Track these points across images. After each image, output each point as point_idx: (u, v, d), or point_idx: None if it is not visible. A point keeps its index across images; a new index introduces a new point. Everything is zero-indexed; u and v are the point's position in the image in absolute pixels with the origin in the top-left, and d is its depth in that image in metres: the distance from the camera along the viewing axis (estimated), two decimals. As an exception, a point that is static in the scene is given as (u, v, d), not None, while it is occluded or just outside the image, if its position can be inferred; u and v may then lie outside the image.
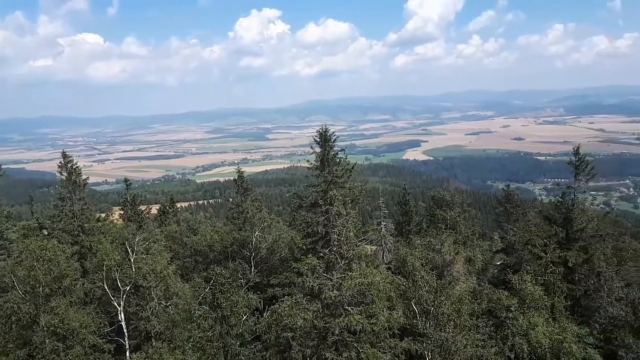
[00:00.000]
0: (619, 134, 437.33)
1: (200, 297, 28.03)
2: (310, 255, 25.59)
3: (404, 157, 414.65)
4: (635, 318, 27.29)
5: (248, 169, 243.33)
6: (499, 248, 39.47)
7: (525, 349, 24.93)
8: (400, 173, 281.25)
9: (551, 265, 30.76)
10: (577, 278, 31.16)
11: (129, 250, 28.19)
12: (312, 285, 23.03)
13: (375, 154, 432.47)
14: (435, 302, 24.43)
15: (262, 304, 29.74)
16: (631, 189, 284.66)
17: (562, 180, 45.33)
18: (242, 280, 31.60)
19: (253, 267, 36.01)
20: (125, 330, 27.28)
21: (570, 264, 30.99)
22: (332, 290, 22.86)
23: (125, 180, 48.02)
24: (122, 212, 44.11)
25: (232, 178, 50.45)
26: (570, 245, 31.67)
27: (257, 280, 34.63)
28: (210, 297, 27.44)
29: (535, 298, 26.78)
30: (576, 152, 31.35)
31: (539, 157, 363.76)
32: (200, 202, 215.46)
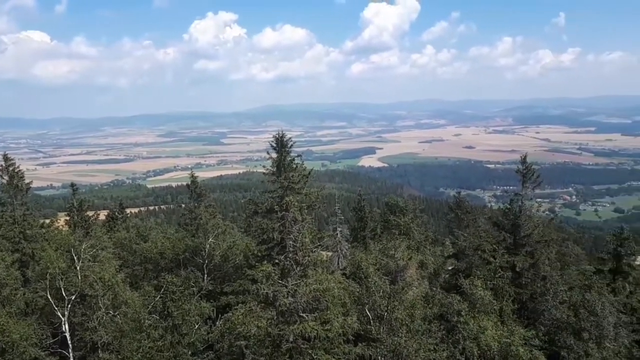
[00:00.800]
0: (563, 144, 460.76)
1: (150, 306, 27.11)
2: (265, 262, 25.32)
3: (360, 164, 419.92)
4: (577, 320, 28.54)
5: (202, 174, 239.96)
6: (451, 253, 40.41)
7: (476, 353, 25.51)
8: (356, 179, 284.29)
9: (500, 270, 31.70)
10: (524, 282, 32.23)
11: (75, 258, 26.98)
12: (266, 293, 22.72)
13: (332, 160, 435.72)
14: (389, 307, 24.63)
15: (215, 312, 29.13)
16: (574, 197, 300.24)
17: (511, 187, 47.02)
18: (194, 288, 30.77)
19: (206, 275, 35.24)
20: (69, 342, 26.04)
21: (517, 269, 32.03)
22: (287, 297, 22.64)
23: (72, 185, 45.93)
24: (68, 218, 42.15)
25: (185, 183, 49.30)
26: (517, 251, 32.74)
27: (210, 288, 33.91)
28: (161, 305, 26.60)
29: (485, 302, 27.48)
30: (523, 160, 32.45)
31: (488, 165, 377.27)
32: (152, 207, 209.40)
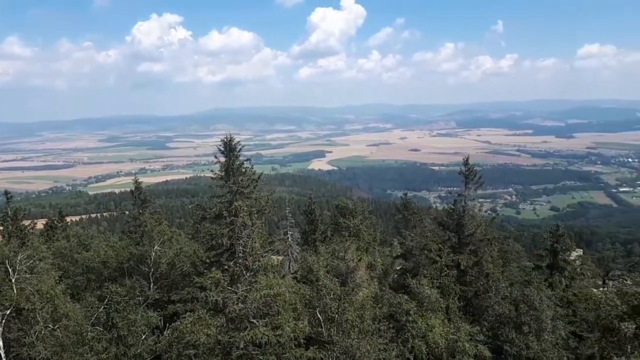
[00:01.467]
0: (503, 146, 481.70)
1: (94, 318, 25.97)
2: (214, 268, 24.83)
3: (310, 167, 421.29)
4: (518, 314, 29.87)
5: (146, 180, 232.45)
6: (399, 253, 41.24)
7: (424, 350, 26.17)
8: (306, 182, 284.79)
9: (445, 268, 32.69)
10: (468, 280, 33.38)
11: (10, 270, 25.37)
12: (216, 300, 22.33)
13: (282, 164, 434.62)
14: (339, 309, 24.80)
15: (162, 321, 28.27)
16: (514, 196, 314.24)
17: (454, 188, 48.56)
18: (140, 298, 29.79)
19: (152, 284, 34.09)
20: (4, 359, 24.47)
21: (462, 267, 33.13)
22: (237, 304, 22.35)
23: (6, 193, 43.31)
24: (1, 228, 39.68)
25: (128, 189, 47.60)
26: (462, 249, 33.87)
27: (157, 297, 32.83)
28: (105, 316, 25.57)
29: (432, 301, 28.26)
30: (466, 162, 33.61)
31: (433, 167, 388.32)
32: (94, 215, 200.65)
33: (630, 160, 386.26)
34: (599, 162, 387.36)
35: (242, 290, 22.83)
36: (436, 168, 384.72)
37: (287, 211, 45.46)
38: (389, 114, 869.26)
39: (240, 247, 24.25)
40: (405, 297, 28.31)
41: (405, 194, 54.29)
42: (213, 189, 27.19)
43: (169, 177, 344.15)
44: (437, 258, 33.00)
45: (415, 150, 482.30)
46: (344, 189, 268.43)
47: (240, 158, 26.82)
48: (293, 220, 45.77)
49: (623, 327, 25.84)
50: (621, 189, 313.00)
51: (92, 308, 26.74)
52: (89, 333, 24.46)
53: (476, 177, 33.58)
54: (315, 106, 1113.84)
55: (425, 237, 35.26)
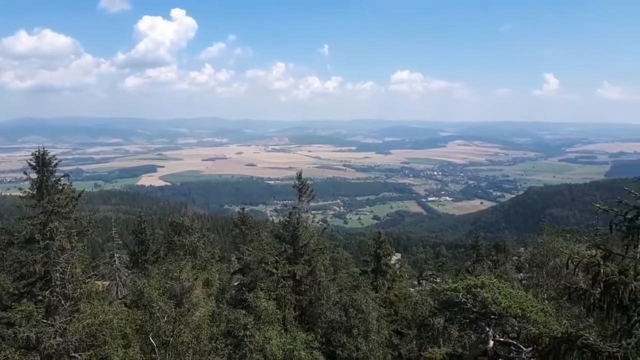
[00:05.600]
0: (331, 161, 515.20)
1: None
2: (25, 300, 21.66)
3: (139, 183, 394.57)
4: (348, 319, 31.98)
5: None
6: (237, 269, 41.03)
7: (262, 363, 26.34)
8: (136, 200, 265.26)
9: (282, 279, 33.52)
10: (303, 289, 34.69)
11: None
12: (27, 336, 19.47)
13: (107, 180, 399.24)
14: (175, 332, 23.70)
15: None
16: (341, 207, 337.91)
17: (289, 201, 50.30)
18: None
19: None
20: None
21: (297, 277, 34.31)
22: (55, 338, 19.79)
23: None
24: None
25: None
26: (297, 260, 35.10)
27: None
28: None
29: (269, 313, 28.67)
30: (299, 177, 35.09)
31: (269, 182, 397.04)
32: None
33: (435, 173, 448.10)
34: (411, 175, 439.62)
35: (60, 322, 20.32)
36: (272, 182, 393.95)
37: (113, 232, 41.93)
38: (224, 129, 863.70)
39: (58, 274, 21.59)
40: (243, 312, 28.23)
41: (243, 209, 54.52)
42: (23, 209, 23.70)
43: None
44: (274, 270, 33.65)
45: (252, 165, 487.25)
46: (178, 205, 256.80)
47: (57, 174, 23.89)
48: (121, 242, 42.39)
49: (435, 322, 29.53)
50: (429, 199, 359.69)
51: None
52: None
53: (309, 191, 35.21)
54: (145, 118, 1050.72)
55: (263, 250, 35.71)
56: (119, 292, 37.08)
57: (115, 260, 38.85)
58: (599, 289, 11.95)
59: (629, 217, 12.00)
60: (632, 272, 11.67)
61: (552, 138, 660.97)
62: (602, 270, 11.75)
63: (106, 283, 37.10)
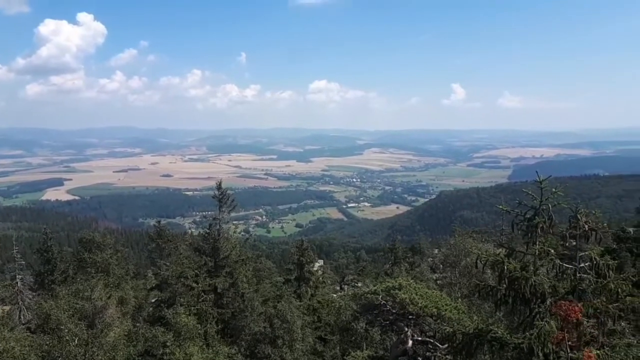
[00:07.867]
0: (252, 170, 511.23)
1: None
2: None
3: (44, 198, 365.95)
4: (272, 329, 31.76)
5: None
6: (154, 285, 39.36)
7: (184, 381, 25.39)
8: (40, 216, 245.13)
9: (203, 294, 32.62)
10: (225, 302, 33.97)
11: None
12: None
13: (6, 196, 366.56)
14: (87, 355, 22.22)
15: None
16: (264, 216, 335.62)
17: (209, 212, 49.21)
18: None
19: None
20: None
21: (219, 290, 33.58)
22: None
23: None
24: None
25: None
26: (218, 272, 34.34)
27: None
28: None
29: (190, 328, 27.75)
30: (219, 186, 34.38)
31: (187, 193, 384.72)
32: None
33: (354, 180, 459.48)
34: (331, 183, 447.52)
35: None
36: (190, 193, 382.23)
37: (14, 251, 38.63)
38: (138, 138, 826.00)
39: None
40: (162, 329, 27.12)
41: (159, 222, 52.40)
42: None
43: None
44: (194, 284, 32.69)
45: (168, 175, 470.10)
46: (88, 220, 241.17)
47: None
48: (24, 262, 39.13)
49: (357, 326, 30.16)
50: (349, 205, 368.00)
51: None
52: None
53: (229, 201, 34.65)
54: (50, 128, 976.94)
55: (182, 265, 34.55)
56: (22, 317, 34.22)
57: (17, 282, 35.80)
58: (504, 285, 12.93)
59: (528, 216, 13.12)
60: (532, 268, 12.75)
61: (460, 145, 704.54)
62: (506, 267, 12.73)
63: (7, 308, 34.18)
